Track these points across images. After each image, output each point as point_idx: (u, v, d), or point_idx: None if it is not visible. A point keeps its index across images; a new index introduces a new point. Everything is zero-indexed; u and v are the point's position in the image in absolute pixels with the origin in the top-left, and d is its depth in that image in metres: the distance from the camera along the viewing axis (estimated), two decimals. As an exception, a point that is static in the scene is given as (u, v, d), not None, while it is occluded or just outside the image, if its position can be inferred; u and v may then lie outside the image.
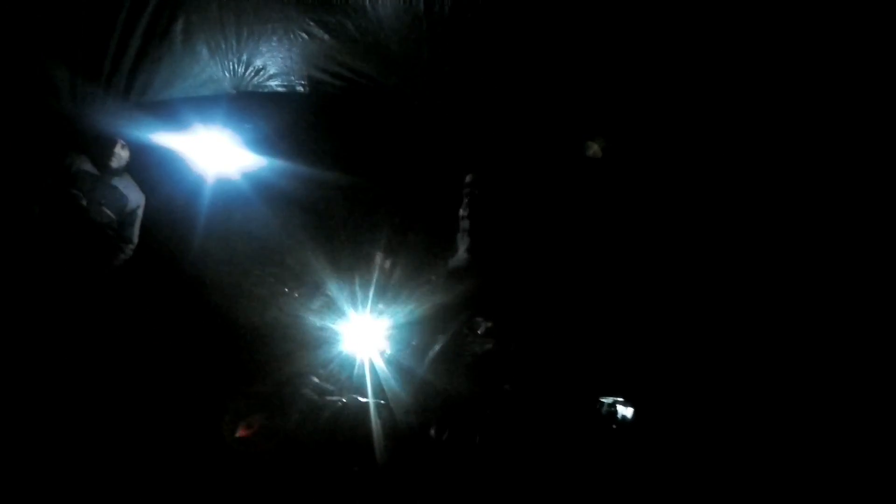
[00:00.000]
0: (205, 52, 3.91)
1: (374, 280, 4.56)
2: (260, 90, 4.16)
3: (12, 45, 3.72)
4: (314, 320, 4.53)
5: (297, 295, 4.71)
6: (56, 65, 3.88)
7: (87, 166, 4.38)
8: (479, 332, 3.55)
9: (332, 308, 4.57)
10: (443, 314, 3.75)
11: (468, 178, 3.84)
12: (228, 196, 4.76)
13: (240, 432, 3.83)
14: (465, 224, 3.79)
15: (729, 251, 3.76)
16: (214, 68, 4.04)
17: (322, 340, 4.42)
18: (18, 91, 3.96)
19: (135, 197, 4.53)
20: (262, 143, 4.60)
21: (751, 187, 3.74)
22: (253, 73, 4.08)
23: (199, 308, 4.54)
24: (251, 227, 4.78)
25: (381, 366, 4.09)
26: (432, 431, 3.41)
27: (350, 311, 4.48)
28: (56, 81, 3.95)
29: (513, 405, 3.49)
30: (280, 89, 4.17)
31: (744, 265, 3.73)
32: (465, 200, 3.82)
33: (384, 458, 3.45)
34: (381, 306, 4.46)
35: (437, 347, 3.55)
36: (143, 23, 3.68)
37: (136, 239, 4.59)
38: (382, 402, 3.80)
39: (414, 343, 3.77)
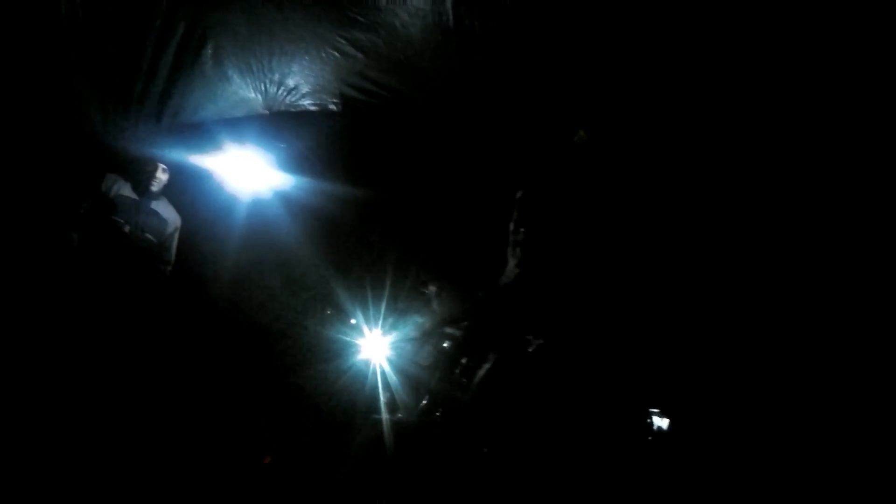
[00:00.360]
0: (236, 73, 3.87)
1: (406, 297, 4.60)
2: (292, 109, 4.14)
3: (42, 71, 3.74)
4: (339, 336, 4.60)
5: (328, 313, 4.78)
6: (86, 90, 3.88)
7: (126, 191, 4.43)
8: (529, 350, 3.56)
9: (360, 325, 4.63)
10: (493, 331, 3.74)
11: (519, 193, 3.78)
12: (262, 216, 4.80)
13: (265, 459, 3.94)
14: (517, 237, 3.71)
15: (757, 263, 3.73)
16: (246, 89, 4.01)
17: (349, 355, 4.50)
18: (49, 116, 3.99)
19: (172, 219, 4.61)
20: (296, 163, 4.62)
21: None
22: (285, 93, 4.05)
23: (228, 325, 4.63)
24: (285, 246, 4.83)
25: (393, 377, 4.19)
26: (485, 450, 3.47)
27: (380, 328, 4.56)
28: (87, 106, 3.96)
29: (553, 419, 3.49)
30: (312, 108, 4.14)
31: (770, 276, 3.70)
32: (516, 215, 3.76)
33: (408, 473, 3.48)
34: (414, 320, 4.52)
35: (486, 366, 3.57)
36: (172, 47, 3.66)
37: (173, 259, 4.67)
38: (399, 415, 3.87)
39: (464, 361, 3.77)
